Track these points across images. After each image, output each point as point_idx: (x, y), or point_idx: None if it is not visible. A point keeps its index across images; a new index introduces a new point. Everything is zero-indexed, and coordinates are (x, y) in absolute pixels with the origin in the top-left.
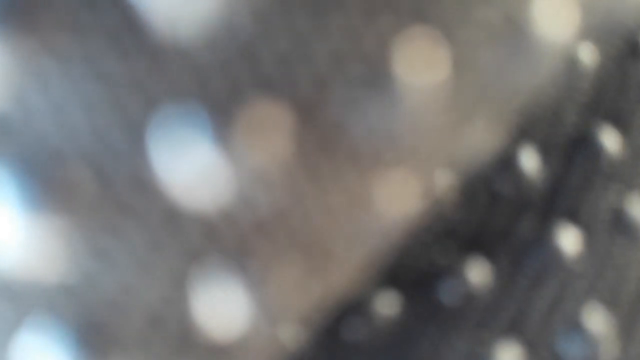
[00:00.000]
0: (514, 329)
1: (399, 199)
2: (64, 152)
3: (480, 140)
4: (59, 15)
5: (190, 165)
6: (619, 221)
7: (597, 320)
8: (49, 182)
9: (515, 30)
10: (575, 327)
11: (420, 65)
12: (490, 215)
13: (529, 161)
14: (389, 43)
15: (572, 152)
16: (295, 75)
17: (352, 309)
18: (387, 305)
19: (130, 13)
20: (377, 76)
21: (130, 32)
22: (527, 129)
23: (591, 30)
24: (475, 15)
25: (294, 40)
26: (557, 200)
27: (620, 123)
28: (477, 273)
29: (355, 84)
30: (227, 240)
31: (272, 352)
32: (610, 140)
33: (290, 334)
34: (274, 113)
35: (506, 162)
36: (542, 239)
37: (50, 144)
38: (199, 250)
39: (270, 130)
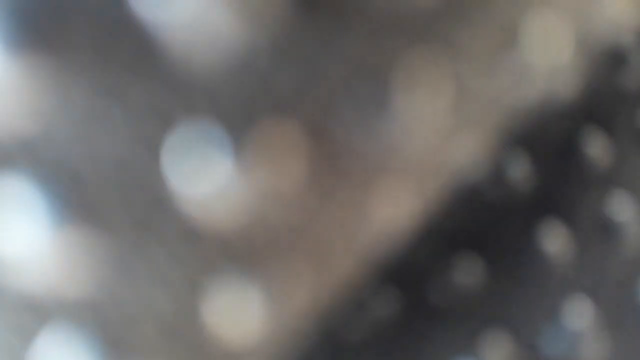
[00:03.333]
0: (499, 324)
1: (397, 207)
2: (85, 171)
3: (472, 149)
4: (80, 37)
5: (206, 185)
6: (603, 222)
7: (579, 316)
8: (70, 200)
9: (510, 50)
10: (558, 323)
11: (423, 84)
12: (480, 219)
13: (517, 167)
14: (394, 65)
15: (559, 157)
16: (306, 98)
17: (351, 309)
18: (384, 304)
19: (149, 38)
20: (382, 97)
21: (149, 55)
22: (515, 137)
23: (582, 43)
24: (474, 37)
25: (306, 67)
26: (544, 202)
27: (606, 129)
28: (467, 273)
29: (362, 105)
30: (241, 254)
31: (281, 357)
32: (595, 145)
33: (298, 340)
34: (287, 134)
35: (495, 169)
36: (529, 241)
37: (71, 162)
38: (214, 264)
39: (284, 150)
